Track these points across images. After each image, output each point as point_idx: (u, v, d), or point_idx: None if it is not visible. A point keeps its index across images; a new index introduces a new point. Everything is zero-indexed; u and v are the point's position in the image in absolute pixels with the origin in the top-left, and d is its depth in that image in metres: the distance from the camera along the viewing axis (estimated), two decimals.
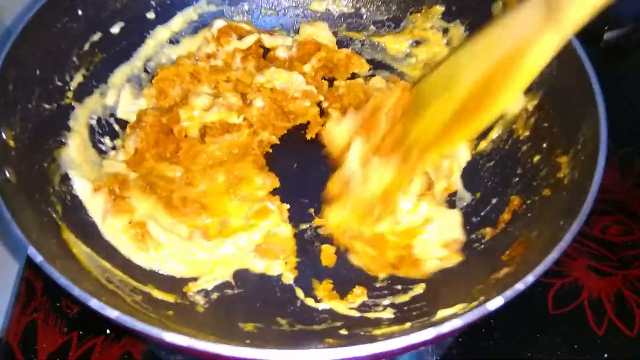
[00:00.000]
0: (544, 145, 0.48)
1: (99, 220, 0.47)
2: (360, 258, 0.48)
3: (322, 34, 0.61)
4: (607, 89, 0.44)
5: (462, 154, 0.53)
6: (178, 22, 0.60)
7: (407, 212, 0.49)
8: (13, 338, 0.50)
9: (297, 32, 0.63)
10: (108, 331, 0.50)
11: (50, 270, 0.33)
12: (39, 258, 0.33)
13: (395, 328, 0.41)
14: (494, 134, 0.53)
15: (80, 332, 0.50)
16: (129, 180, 0.49)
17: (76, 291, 0.32)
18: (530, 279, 0.34)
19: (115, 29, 0.56)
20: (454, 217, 0.50)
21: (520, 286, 0.34)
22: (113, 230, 0.47)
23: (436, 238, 0.48)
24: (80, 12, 0.52)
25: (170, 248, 0.47)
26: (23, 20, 0.47)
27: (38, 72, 0.48)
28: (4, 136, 0.42)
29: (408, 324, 0.40)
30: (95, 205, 0.47)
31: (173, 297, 0.45)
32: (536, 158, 0.49)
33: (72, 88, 0.52)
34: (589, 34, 0.51)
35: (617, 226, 0.57)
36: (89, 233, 0.46)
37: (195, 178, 0.51)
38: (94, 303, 0.32)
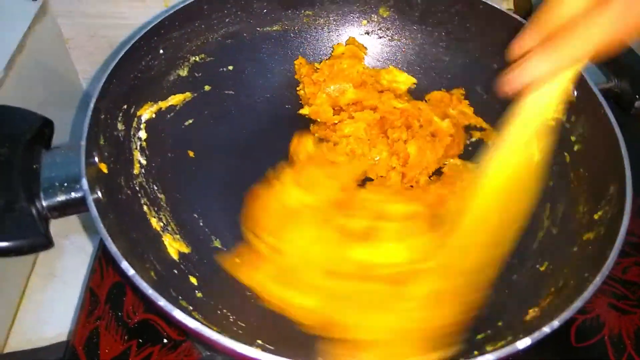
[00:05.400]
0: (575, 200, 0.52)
1: None
2: None
3: None
4: (635, 153, 0.49)
5: None
6: None
7: None
8: (78, 342, 0.55)
9: None
10: (165, 340, 0.55)
11: (140, 283, 0.38)
12: (131, 272, 0.39)
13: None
14: None
15: (140, 341, 0.55)
16: None
17: (162, 302, 0.38)
18: (555, 323, 0.38)
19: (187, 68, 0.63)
20: None
21: (546, 329, 0.38)
22: None
23: None
24: (161, 51, 0.59)
25: None
26: (117, 56, 0.53)
27: (125, 106, 0.54)
28: (96, 160, 0.48)
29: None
30: None
31: None
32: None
33: (144, 120, 0.58)
34: (621, 102, 0.57)
35: (638, 267, 0.61)
36: None
37: None
38: (177, 313, 0.37)
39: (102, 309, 0.57)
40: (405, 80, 0.66)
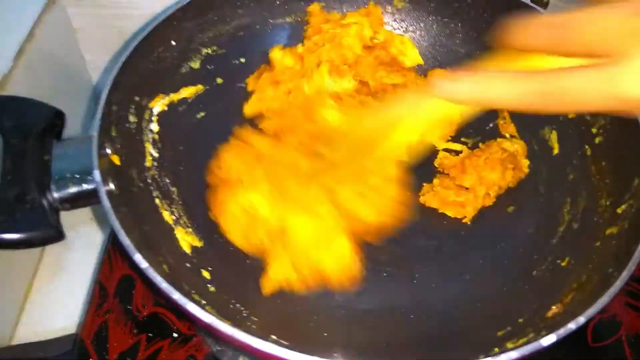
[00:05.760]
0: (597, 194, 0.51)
1: None
2: None
3: None
4: None
5: None
6: None
7: None
8: (87, 335, 0.54)
9: None
10: (175, 335, 0.54)
11: (153, 276, 0.38)
12: (144, 264, 0.38)
13: None
14: None
15: (149, 335, 0.54)
16: None
17: (176, 296, 0.37)
18: (581, 319, 0.37)
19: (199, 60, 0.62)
20: None
21: (572, 326, 0.37)
22: None
23: None
24: (173, 43, 0.58)
25: None
26: (129, 47, 0.52)
27: (137, 98, 0.54)
28: (108, 151, 0.47)
29: None
30: None
31: None
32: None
33: (156, 113, 0.57)
34: None
35: None
36: None
37: None
38: (191, 307, 0.36)
39: (111, 302, 0.56)
40: (412, 58, 0.64)
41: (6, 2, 0.66)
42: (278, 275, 0.46)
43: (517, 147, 0.59)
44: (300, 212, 0.45)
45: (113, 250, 0.60)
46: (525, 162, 0.58)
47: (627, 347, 0.54)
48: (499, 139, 0.60)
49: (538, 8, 0.59)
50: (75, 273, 0.65)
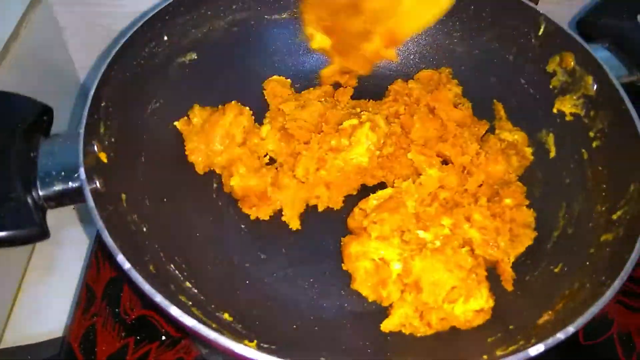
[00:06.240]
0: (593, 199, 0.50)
1: None
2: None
3: None
4: None
5: None
6: None
7: None
8: (74, 339, 0.53)
9: None
10: (163, 338, 0.53)
11: (136, 277, 0.37)
12: (126, 265, 0.37)
13: None
14: None
15: (137, 338, 0.53)
16: None
17: (158, 298, 0.36)
18: (570, 329, 0.37)
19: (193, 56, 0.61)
20: None
21: (560, 336, 0.36)
22: None
23: None
24: (165, 38, 0.57)
25: None
26: (119, 41, 0.52)
27: (126, 93, 0.52)
28: (95, 148, 0.46)
29: None
30: None
31: None
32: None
33: (152, 108, 0.56)
34: None
35: None
36: None
37: None
38: (174, 310, 0.36)
39: (99, 306, 0.56)
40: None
41: None
42: (402, 320, 0.47)
43: (517, 137, 0.58)
44: (438, 268, 0.46)
45: (100, 253, 0.59)
46: (528, 150, 0.57)
47: (618, 345, 0.53)
48: (496, 131, 0.59)
49: (533, 5, 0.58)
50: (64, 275, 0.63)
